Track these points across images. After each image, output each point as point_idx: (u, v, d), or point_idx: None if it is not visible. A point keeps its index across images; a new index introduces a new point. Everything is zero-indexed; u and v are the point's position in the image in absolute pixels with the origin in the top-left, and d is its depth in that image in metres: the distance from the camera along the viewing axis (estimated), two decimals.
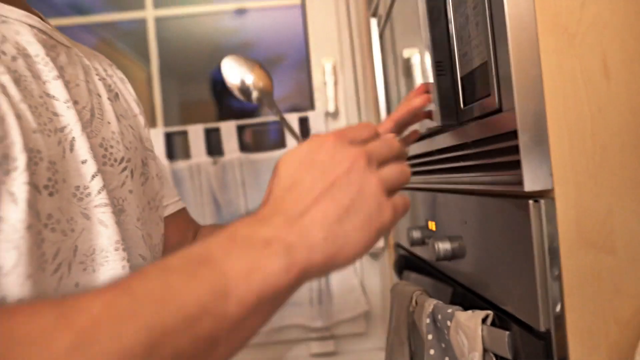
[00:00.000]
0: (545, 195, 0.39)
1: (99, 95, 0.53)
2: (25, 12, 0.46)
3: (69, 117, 0.44)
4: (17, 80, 0.40)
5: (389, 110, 0.96)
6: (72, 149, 0.44)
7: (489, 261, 0.49)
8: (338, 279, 1.23)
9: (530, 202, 0.39)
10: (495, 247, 0.47)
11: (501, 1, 0.39)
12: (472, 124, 0.48)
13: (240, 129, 1.26)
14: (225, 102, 1.40)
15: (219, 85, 1.37)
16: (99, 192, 0.45)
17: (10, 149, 0.36)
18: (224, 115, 1.37)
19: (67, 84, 0.46)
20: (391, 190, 0.37)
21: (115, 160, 0.50)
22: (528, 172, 0.38)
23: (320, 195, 0.34)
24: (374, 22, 1.00)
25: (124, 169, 0.51)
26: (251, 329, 0.32)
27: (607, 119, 0.38)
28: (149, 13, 1.33)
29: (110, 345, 0.26)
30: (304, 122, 1.25)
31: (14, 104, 0.38)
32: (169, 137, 1.26)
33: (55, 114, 0.43)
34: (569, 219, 0.38)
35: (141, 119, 0.62)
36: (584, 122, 0.38)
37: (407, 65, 0.75)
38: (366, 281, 1.28)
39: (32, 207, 0.37)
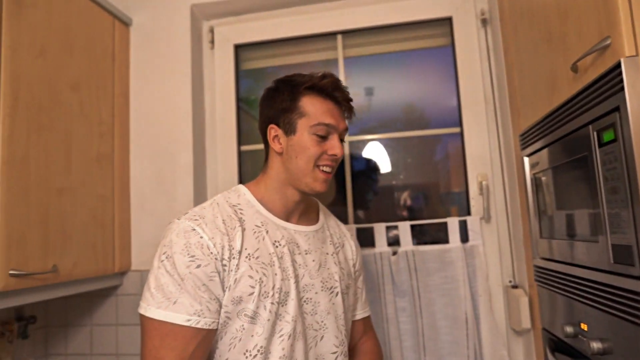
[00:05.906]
0: None
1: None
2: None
3: None
4: None
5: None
6: None
7: None
8: (489, 350, 1.55)
9: None
10: None
11: None
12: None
13: (413, 227, 1.67)
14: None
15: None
16: None
17: None
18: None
19: None
20: None
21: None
22: None
23: None
24: (526, 160, 1.36)
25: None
26: None
27: None
28: None
29: None
30: (463, 224, 1.63)
31: None
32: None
33: None
34: None
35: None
36: None
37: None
38: (512, 354, 1.58)
39: None
